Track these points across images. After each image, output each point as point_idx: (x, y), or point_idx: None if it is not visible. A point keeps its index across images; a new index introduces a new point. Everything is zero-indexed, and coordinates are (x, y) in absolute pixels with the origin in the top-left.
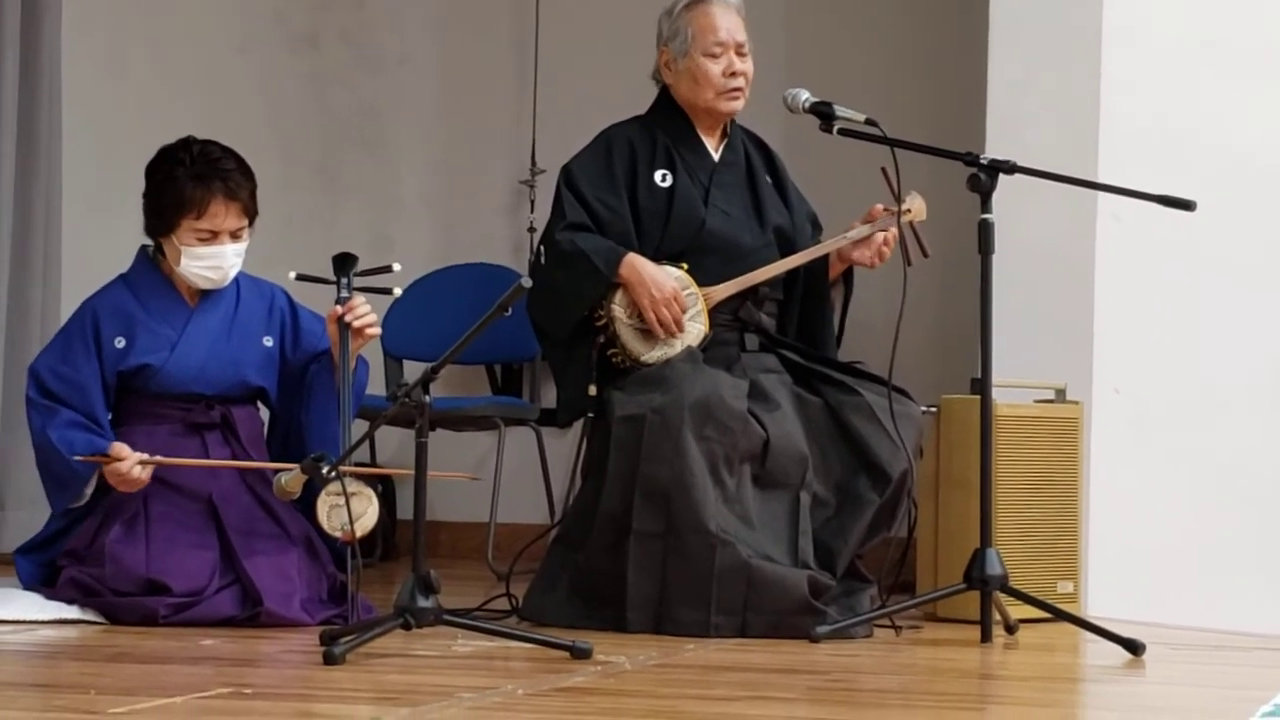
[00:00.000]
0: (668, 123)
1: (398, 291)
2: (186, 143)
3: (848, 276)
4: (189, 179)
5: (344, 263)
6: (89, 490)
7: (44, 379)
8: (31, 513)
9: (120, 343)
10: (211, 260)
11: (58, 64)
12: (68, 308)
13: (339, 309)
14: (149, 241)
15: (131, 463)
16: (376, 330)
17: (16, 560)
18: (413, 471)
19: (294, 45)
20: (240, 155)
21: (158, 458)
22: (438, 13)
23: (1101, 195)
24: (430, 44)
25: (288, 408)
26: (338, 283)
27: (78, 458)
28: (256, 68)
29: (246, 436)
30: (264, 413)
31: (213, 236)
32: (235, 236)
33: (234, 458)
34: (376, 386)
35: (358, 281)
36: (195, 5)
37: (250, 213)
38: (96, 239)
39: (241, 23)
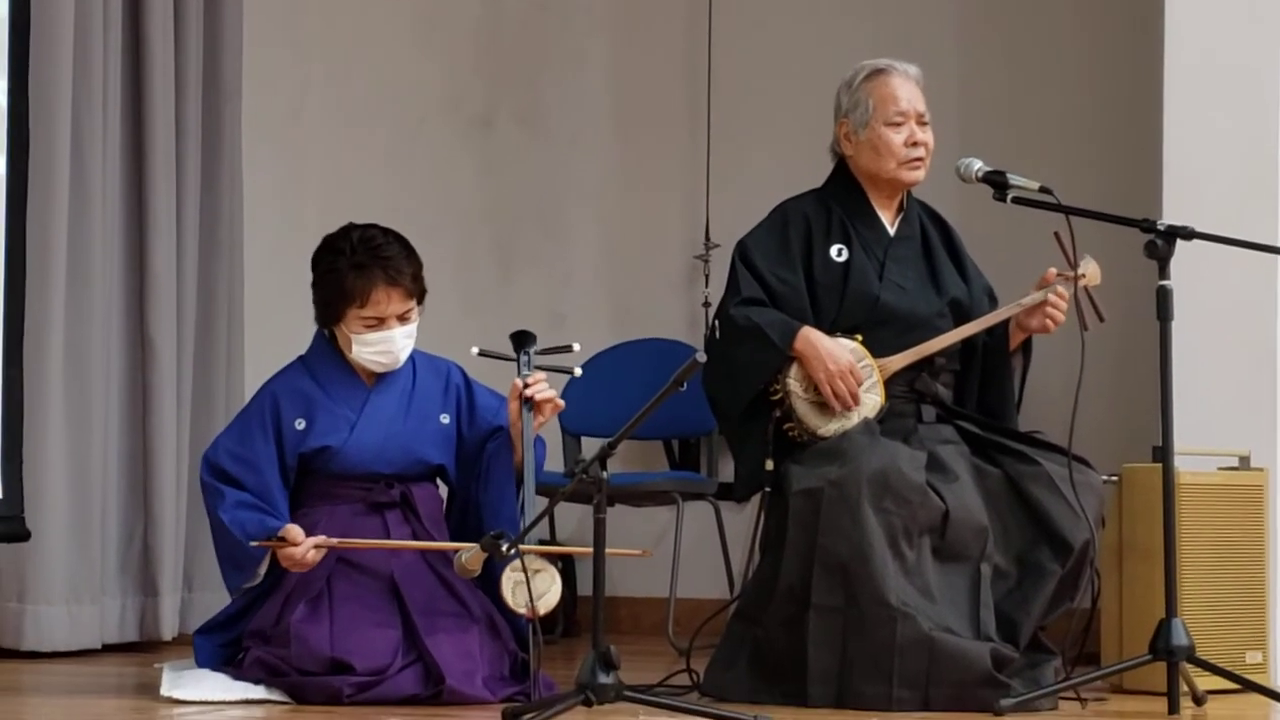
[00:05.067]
0: (844, 196)
1: (578, 371)
2: (346, 231)
3: (1026, 346)
4: (350, 269)
5: (522, 340)
6: (262, 570)
7: (219, 460)
8: (219, 594)
9: (300, 424)
10: (381, 345)
11: (238, 144)
12: (250, 391)
13: (519, 383)
14: None
15: (306, 547)
16: (559, 404)
17: (196, 641)
18: (590, 548)
19: (469, 126)
20: (403, 237)
21: (331, 540)
22: (609, 91)
23: None
24: (602, 122)
25: (465, 485)
26: (518, 360)
27: (253, 543)
28: (432, 149)
29: (427, 515)
30: (443, 489)
31: (379, 323)
32: (403, 320)
33: (414, 536)
34: (555, 463)
35: (537, 360)
36: (372, 89)
37: (415, 294)
38: (279, 321)
39: (418, 105)
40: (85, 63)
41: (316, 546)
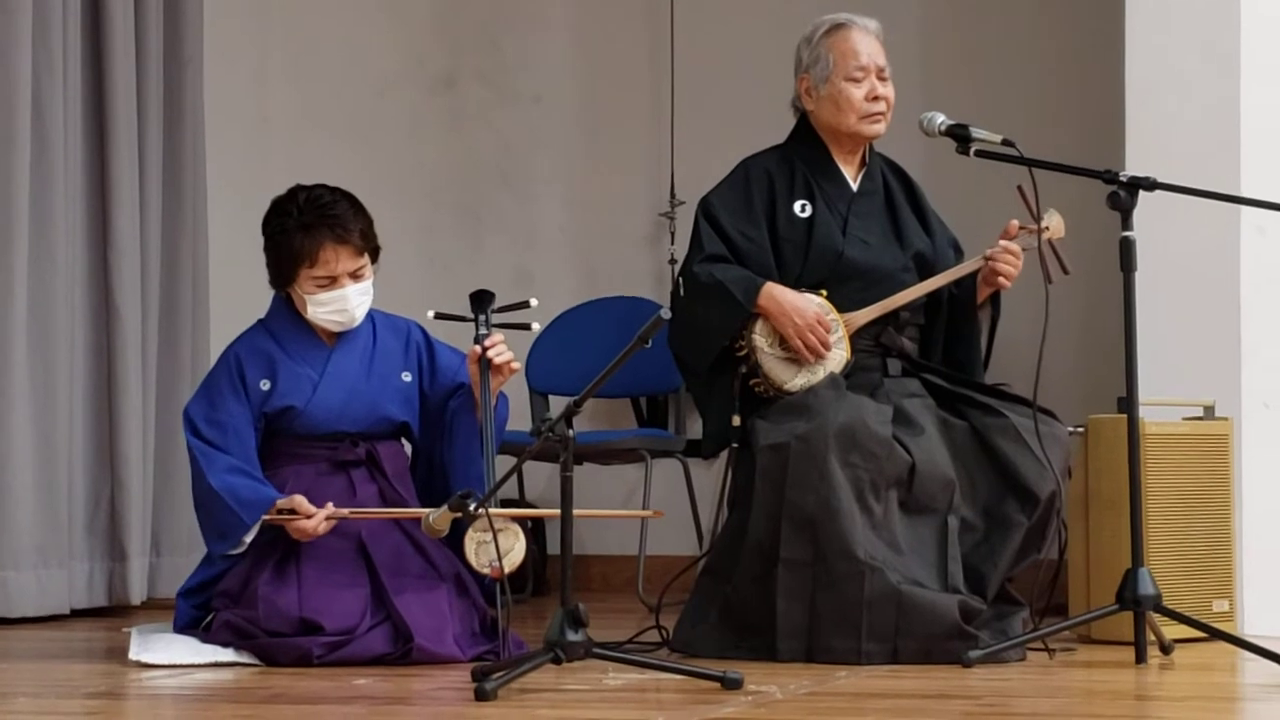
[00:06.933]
0: (806, 152)
1: (536, 327)
2: (294, 193)
3: (995, 300)
4: (297, 229)
5: (481, 300)
6: (248, 539)
7: (199, 426)
8: (187, 558)
9: (265, 385)
10: (335, 304)
11: (200, 111)
12: (216, 355)
13: (478, 348)
14: None
15: (318, 520)
16: (516, 366)
17: (178, 602)
18: (559, 511)
19: (432, 87)
20: (352, 195)
21: (343, 510)
22: (572, 50)
23: (1245, 207)
24: (566, 81)
25: (430, 444)
26: (476, 320)
27: (264, 517)
28: (396, 111)
29: (392, 472)
30: (407, 447)
31: (331, 281)
32: (355, 277)
33: (380, 493)
34: (522, 422)
35: (496, 318)
36: (335, 52)
37: (366, 250)
38: (243, 287)
39: (381, 67)
40: (44, 31)
41: (328, 518)
